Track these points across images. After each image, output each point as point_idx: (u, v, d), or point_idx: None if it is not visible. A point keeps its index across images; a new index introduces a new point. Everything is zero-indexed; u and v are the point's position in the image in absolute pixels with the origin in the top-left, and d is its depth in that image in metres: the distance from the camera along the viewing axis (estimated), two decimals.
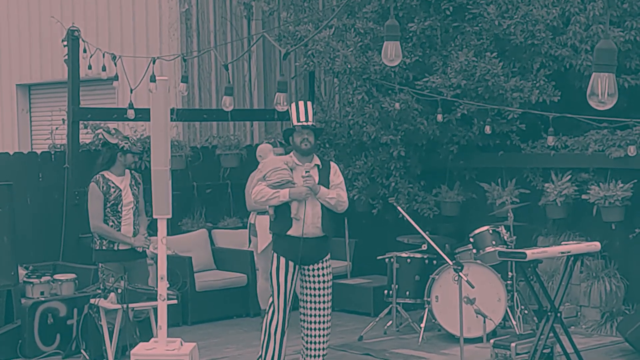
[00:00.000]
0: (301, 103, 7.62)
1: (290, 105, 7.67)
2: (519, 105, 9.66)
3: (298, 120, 7.52)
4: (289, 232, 7.43)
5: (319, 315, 7.52)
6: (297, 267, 7.48)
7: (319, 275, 7.50)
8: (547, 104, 9.75)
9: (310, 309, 7.52)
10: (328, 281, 7.54)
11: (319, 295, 7.51)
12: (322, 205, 7.45)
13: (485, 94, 9.62)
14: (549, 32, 9.69)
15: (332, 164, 7.73)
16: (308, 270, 7.50)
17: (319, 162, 7.60)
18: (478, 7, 9.72)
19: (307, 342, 7.57)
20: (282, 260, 7.46)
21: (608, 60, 3.84)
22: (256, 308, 9.76)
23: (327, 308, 7.55)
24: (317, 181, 7.45)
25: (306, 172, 7.39)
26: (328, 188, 7.50)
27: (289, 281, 7.46)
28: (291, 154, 7.61)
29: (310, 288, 7.52)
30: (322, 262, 7.52)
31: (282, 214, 7.48)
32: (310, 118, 7.54)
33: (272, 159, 7.83)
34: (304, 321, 7.56)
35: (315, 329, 7.52)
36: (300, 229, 7.38)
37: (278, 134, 11.52)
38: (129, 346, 7.21)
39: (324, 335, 7.55)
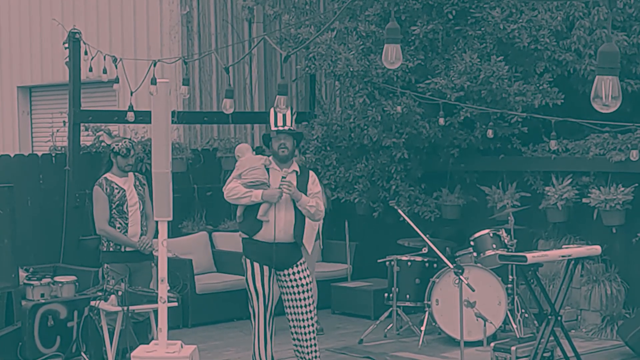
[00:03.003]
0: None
1: (270, 111, 7.57)
2: (522, 109, 9.67)
3: (275, 125, 7.46)
4: (257, 236, 7.39)
5: (305, 320, 7.43)
6: (272, 271, 7.41)
7: (296, 280, 7.42)
8: (549, 108, 9.76)
9: (295, 313, 7.44)
10: (307, 284, 7.45)
11: (301, 299, 7.42)
12: (295, 212, 7.40)
13: (488, 97, 9.63)
14: (552, 37, 9.70)
15: (311, 172, 7.66)
16: (284, 275, 7.43)
17: (297, 169, 7.55)
18: (481, 11, 9.73)
19: (300, 347, 7.51)
20: (257, 265, 7.39)
21: (611, 63, 3.84)
22: None
23: (311, 311, 7.46)
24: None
25: (282, 177, 7.35)
26: (306, 195, 7.44)
27: (267, 286, 7.39)
28: (270, 158, 7.54)
29: (290, 293, 7.44)
30: (298, 266, 7.45)
31: (250, 215, 7.44)
32: (287, 122, 7.47)
33: (249, 157, 7.72)
34: (293, 326, 7.49)
35: (303, 333, 7.45)
36: (269, 233, 7.33)
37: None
38: (129, 348, 7.20)
39: (313, 338, 7.49)
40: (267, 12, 11.43)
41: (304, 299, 7.42)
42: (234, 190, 7.43)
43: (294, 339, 7.53)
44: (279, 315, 7.79)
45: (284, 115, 7.47)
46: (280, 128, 7.44)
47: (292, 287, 7.43)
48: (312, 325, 7.47)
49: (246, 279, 7.50)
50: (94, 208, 8.36)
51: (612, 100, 3.82)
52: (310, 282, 7.52)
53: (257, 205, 7.38)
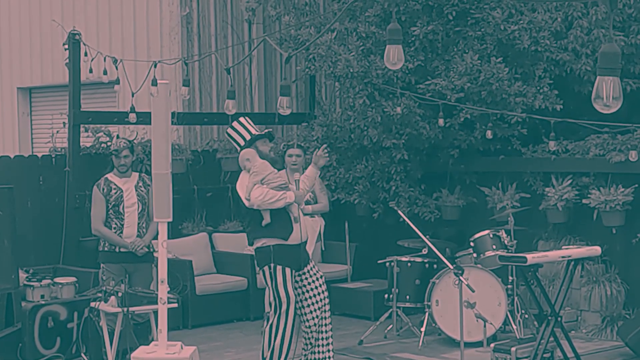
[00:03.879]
0: (242, 119, 7.63)
1: (233, 126, 7.61)
2: (521, 111, 9.67)
3: (255, 131, 7.55)
4: (290, 239, 7.33)
5: (325, 317, 7.48)
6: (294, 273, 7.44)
7: (315, 274, 7.47)
8: (548, 109, 9.75)
9: (317, 310, 7.45)
10: (322, 277, 7.53)
11: (322, 292, 7.47)
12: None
13: (488, 98, 9.63)
14: (552, 38, 9.71)
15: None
16: (303, 274, 7.45)
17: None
18: (481, 12, 9.73)
19: (319, 344, 7.49)
20: (288, 271, 7.31)
21: (612, 63, 3.83)
22: (256, 311, 9.78)
23: (328, 304, 7.52)
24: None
25: (296, 181, 7.46)
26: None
27: (293, 289, 7.39)
28: None
29: (311, 289, 7.46)
30: (311, 262, 7.53)
31: (281, 218, 7.36)
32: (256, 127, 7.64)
33: (263, 162, 7.55)
34: (314, 324, 7.46)
35: (325, 331, 7.48)
36: (298, 233, 7.35)
37: (282, 138, 11.55)
38: (129, 350, 7.20)
39: (331, 337, 7.56)
40: (270, 13, 11.42)
41: (324, 291, 7.49)
42: (268, 194, 7.28)
43: (310, 339, 7.50)
44: None
45: (251, 124, 7.60)
46: (262, 133, 7.56)
47: (313, 282, 7.46)
48: (329, 319, 7.51)
49: (275, 287, 7.31)
50: (91, 208, 8.40)
51: (613, 101, 3.81)
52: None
53: (283, 209, 7.35)
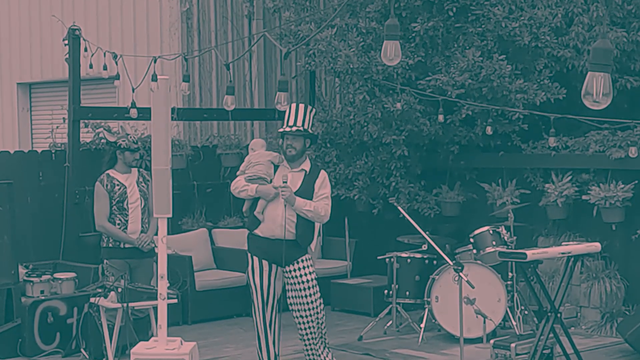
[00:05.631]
0: (293, 106, 7.54)
1: (290, 107, 7.61)
2: (522, 107, 9.66)
3: (287, 125, 7.45)
4: (256, 231, 7.44)
5: (308, 316, 7.42)
6: (272, 266, 7.43)
7: (297, 276, 7.42)
8: (549, 104, 9.75)
9: (299, 310, 7.45)
10: (309, 280, 7.41)
11: (303, 297, 7.41)
12: None
13: (488, 94, 9.62)
14: (552, 34, 9.70)
15: (322, 172, 7.59)
16: (287, 272, 7.44)
17: (307, 168, 7.51)
18: (482, 9, 9.72)
19: (308, 345, 7.53)
20: (256, 259, 7.45)
21: (604, 60, 3.84)
22: None
23: (314, 308, 7.42)
24: (298, 186, 7.37)
25: (283, 181, 7.29)
26: (312, 195, 7.39)
27: (265, 280, 7.42)
28: (282, 155, 7.59)
29: (292, 290, 7.46)
30: (299, 263, 7.42)
31: (251, 211, 7.52)
32: (299, 122, 7.43)
33: (258, 152, 7.72)
34: (298, 324, 7.50)
35: (308, 328, 7.45)
36: (266, 229, 7.38)
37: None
38: (129, 345, 7.21)
39: (320, 336, 7.51)
40: (267, 6, 11.41)
41: (306, 296, 7.41)
42: (236, 183, 7.57)
43: (300, 336, 7.54)
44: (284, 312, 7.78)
45: (297, 115, 7.46)
46: (287, 129, 7.43)
47: (294, 283, 7.44)
48: (318, 321, 7.45)
49: (247, 273, 7.62)
50: (94, 204, 8.40)
51: (602, 97, 3.82)
52: (314, 279, 7.47)
53: (256, 203, 7.45)
